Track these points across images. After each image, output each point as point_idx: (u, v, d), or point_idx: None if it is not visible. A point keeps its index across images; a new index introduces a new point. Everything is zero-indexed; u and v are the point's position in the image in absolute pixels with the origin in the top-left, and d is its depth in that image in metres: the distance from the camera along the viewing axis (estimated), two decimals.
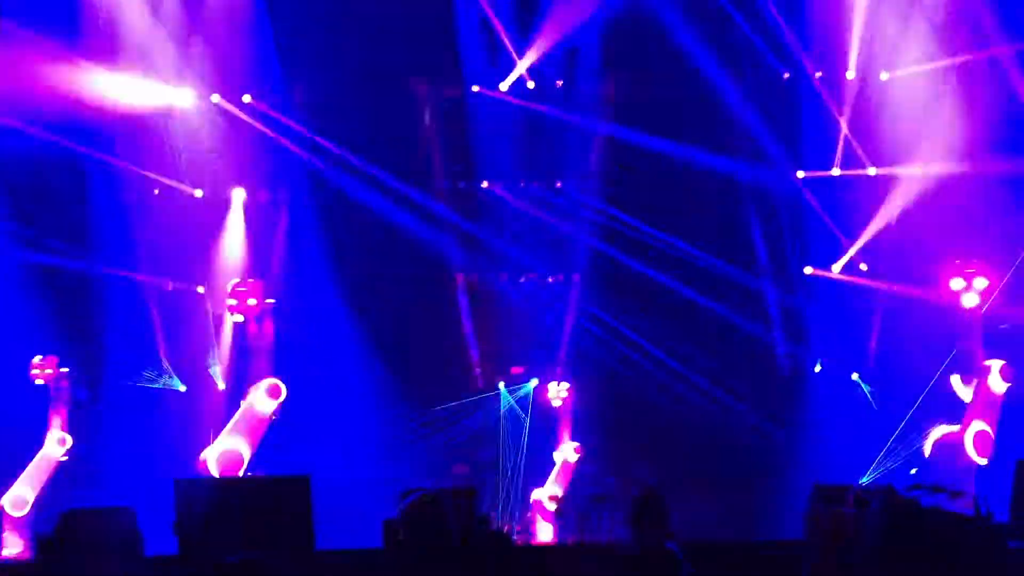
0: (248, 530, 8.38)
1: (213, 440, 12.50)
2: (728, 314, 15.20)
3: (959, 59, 13.96)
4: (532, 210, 15.53)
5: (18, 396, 13.51)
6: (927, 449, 12.50)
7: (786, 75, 15.00)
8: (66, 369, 13.59)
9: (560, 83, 15.25)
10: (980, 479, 11.79)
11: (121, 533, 8.51)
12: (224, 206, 15.11)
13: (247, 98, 14.66)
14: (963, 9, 13.81)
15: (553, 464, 14.32)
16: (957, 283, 12.88)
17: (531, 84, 15.04)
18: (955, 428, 12.48)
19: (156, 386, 14.49)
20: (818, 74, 14.86)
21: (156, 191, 14.79)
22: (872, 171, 14.93)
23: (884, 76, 14.63)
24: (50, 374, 13.46)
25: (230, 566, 3.88)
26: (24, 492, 12.93)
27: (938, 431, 12.50)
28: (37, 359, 13.52)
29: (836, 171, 15.17)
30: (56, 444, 13.30)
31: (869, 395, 14.66)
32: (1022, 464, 9.48)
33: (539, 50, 14.83)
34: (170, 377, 14.58)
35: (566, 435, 14.49)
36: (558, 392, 14.63)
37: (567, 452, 14.34)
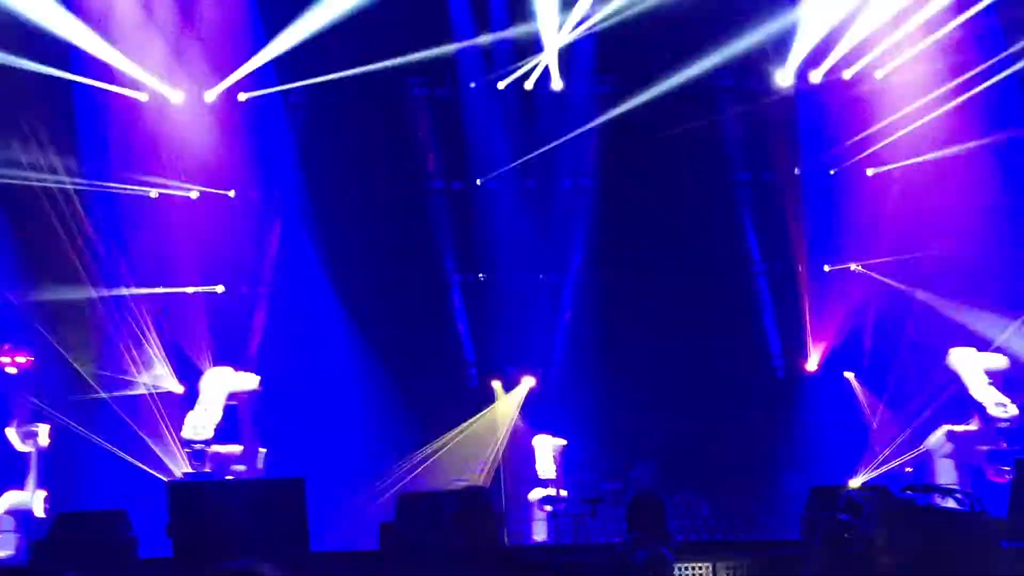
0: (243, 532, 8.35)
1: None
2: (724, 314, 15.18)
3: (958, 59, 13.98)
4: (527, 208, 15.49)
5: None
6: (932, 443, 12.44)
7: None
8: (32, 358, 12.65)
9: (557, 86, 15.19)
10: (976, 478, 11.79)
11: (115, 536, 8.49)
12: (218, 206, 15.01)
13: (242, 96, 14.62)
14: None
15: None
16: None
17: (528, 85, 15.04)
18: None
19: (149, 389, 14.26)
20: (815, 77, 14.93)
21: (155, 193, 14.67)
22: (870, 172, 15.00)
23: (879, 74, 14.65)
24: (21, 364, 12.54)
25: (229, 572, 3.80)
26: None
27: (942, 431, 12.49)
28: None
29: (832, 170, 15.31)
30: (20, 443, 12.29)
31: (860, 393, 14.63)
32: (1021, 463, 9.51)
33: (532, 48, 14.81)
34: (165, 378, 14.40)
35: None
36: None
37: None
